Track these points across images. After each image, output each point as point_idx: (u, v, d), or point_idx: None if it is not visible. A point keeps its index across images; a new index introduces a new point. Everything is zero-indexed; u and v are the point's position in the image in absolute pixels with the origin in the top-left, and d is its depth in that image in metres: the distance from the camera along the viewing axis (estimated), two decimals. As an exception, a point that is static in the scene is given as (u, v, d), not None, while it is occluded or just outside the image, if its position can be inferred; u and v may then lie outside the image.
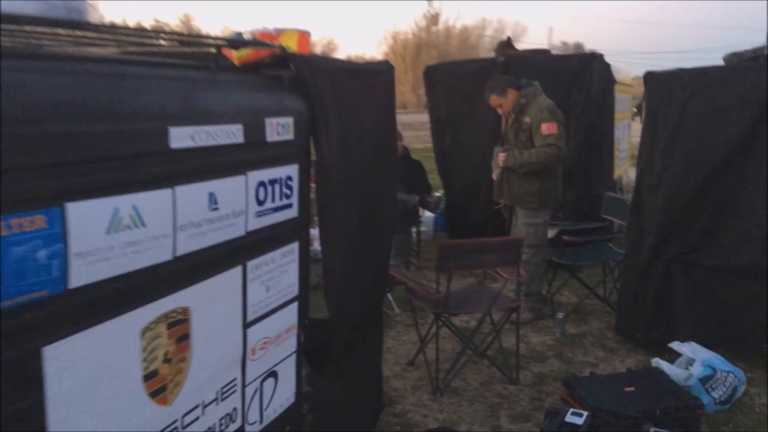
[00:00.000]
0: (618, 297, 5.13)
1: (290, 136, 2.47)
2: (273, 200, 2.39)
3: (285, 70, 2.62)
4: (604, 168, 6.70)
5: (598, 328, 5.16)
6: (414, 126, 20.84)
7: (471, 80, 6.53)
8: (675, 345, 4.13)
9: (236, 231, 2.21)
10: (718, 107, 4.20)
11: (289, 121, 2.47)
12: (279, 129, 2.40)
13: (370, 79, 3.16)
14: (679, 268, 4.43)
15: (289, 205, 2.52)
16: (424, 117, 8.60)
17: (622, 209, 5.52)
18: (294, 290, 2.66)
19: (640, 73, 4.66)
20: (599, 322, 5.29)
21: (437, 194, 6.98)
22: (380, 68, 3.25)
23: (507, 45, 7.41)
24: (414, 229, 6.85)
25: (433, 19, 30.89)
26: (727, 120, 4.18)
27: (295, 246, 2.60)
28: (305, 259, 2.70)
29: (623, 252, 5.37)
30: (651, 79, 4.47)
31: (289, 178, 2.50)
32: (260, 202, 2.32)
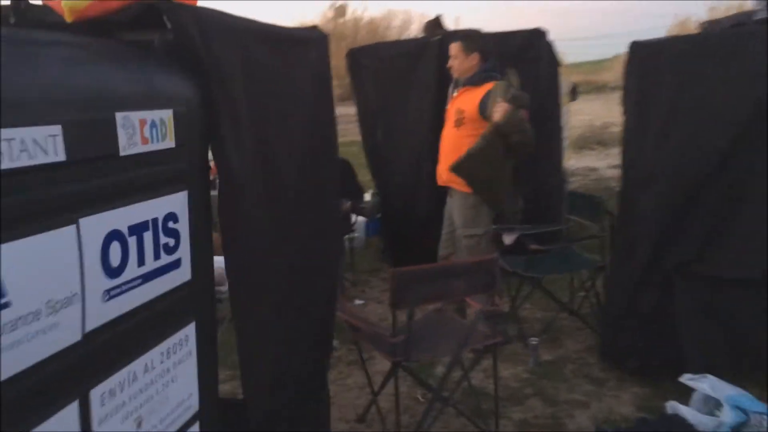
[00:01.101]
0: (601, 314, 4.23)
1: (168, 143, 1.37)
2: (141, 262, 1.29)
3: (157, 31, 1.51)
4: (555, 158, 5.81)
5: (576, 351, 4.23)
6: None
7: (402, 63, 5.49)
8: (688, 379, 3.23)
9: (58, 339, 1.10)
10: (723, 82, 3.32)
11: (165, 116, 1.36)
12: (145, 131, 1.29)
13: (298, 51, 2.07)
14: (683, 280, 3.53)
15: (174, 264, 1.41)
16: (345, 110, 7.51)
17: (589, 207, 4.63)
18: (191, 406, 1.55)
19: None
20: (575, 342, 4.36)
21: (369, 196, 5.94)
22: (310, 36, 2.17)
23: (436, 24, 6.40)
24: (346, 239, 5.78)
25: (340, 10, 29.69)
26: (735, 96, 3.31)
27: (188, 331, 1.49)
28: (209, 346, 1.61)
29: (596, 258, 4.49)
30: (638, 49, 3.54)
31: (171, 216, 1.39)
32: (113, 271, 1.21)
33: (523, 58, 5.41)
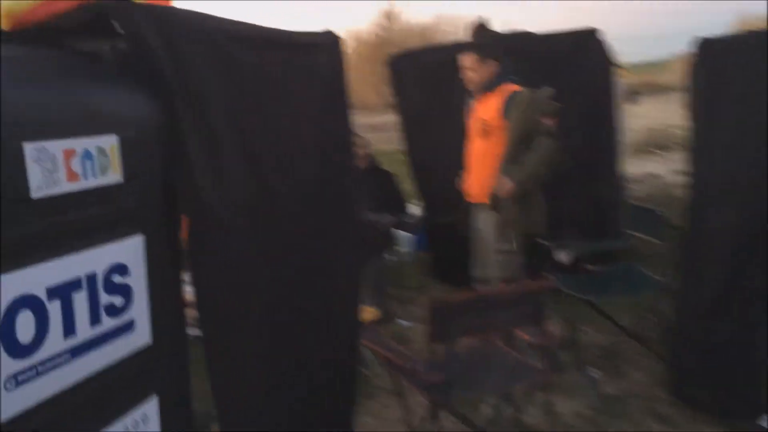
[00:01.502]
0: (669, 342, 3.79)
1: (112, 177, 1.08)
2: (69, 331, 1.00)
3: (109, 38, 1.23)
4: (612, 167, 5.37)
5: (642, 383, 3.79)
6: (378, 127, 19.48)
7: (445, 69, 5.12)
8: (772, 422, 2.80)
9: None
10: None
11: (107, 143, 1.07)
12: (73, 164, 1.01)
13: (302, 57, 1.76)
14: (765, 308, 3.08)
15: (124, 327, 1.12)
16: (389, 118, 7.20)
17: (651, 221, 4.19)
18: None
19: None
20: (640, 371, 3.92)
21: (415, 210, 5.60)
22: (318, 40, 1.86)
23: (482, 27, 6.03)
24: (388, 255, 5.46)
25: (390, 16, 29.42)
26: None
27: (148, 409, 1.20)
28: (180, 423, 1.30)
29: (660, 279, 4.05)
30: (706, 46, 3.13)
31: (118, 269, 1.10)
32: (22, 350, 0.93)
33: (574, 60, 5.01)
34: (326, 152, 1.82)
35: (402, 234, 5.74)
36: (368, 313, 4.11)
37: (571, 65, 5.02)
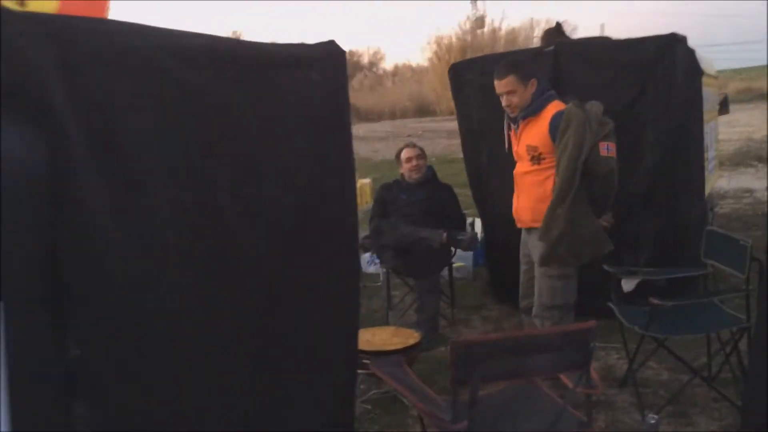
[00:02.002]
0: (745, 387, 3.35)
1: None
2: None
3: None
4: (694, 184, 4.89)
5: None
6: (440, 134, 19.02)
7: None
8: None
9: None
10: None
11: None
12: None
13: (287, 74, 1.53)
14: None
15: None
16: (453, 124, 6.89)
17: (732, 251, 3.72)
18: None
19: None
20: (709, 419, 3.48)
21: (470, 229, 5.29)
22: (309, 54, 1.61)
23: (557, 32, 5.64)
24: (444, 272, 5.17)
25: (479, 21, 28.86)
26: None
27: None
28: None
29: (740, 316, 3.58)
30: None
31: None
32: None
33: (656, 68, 4.57)
34: (317, 169, 1.58)
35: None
36: (409, 336, 3.85)
37: (654, 73, 4.59)
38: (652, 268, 3.97)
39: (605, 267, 3.90)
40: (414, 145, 5.07)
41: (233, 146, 1.32)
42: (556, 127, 3.35)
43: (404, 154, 5.02)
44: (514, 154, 3.70)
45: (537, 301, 3.58)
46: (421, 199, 4.90)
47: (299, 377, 1.62)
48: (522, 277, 3.83)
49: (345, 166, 1.70)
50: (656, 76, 4.57)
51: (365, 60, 38.96)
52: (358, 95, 22.19)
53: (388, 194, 5.04)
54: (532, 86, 3.51)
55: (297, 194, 1.51)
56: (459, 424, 2.36)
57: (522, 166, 3.62)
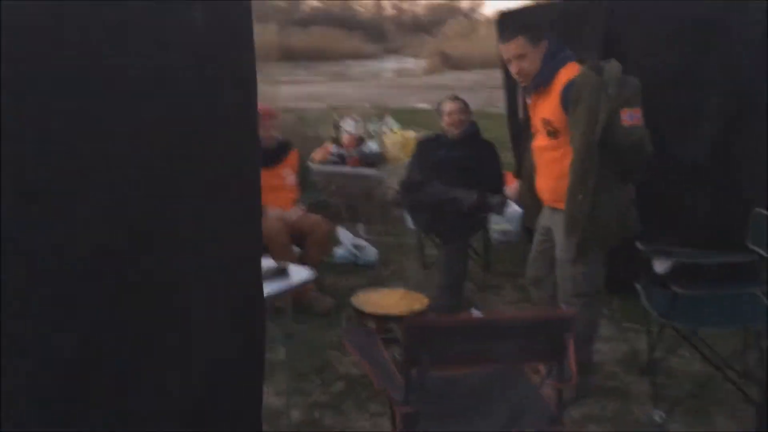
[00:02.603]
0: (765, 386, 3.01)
1: None
2: None
3: None
4: (761, 159, 4.38)
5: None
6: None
7: (560, 29, 4.37)
8: None
9: None
10: None
11: None
12: None
13: (144, 13, 1.36)
14: None
15: None
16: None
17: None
18: None
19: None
20: (728, 418, 3.16)
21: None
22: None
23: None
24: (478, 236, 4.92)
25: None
26: None
27: None
28: None
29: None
30: None
31: None
32: None
33: (722, 25, 4.06)
34: (202, 133, 1.42)
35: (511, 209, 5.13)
36: (416, 301, 3.67)
37: (719, 32, 4.09)
38: (690, 249, 3.58)
39: (637, 244, 3.56)
40: (457, 98, 4.78)
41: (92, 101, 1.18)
42: (568, 99, 2.96)
43: (445, 108, 4.75)
44: (531, 126, 3.34)
45: (560, 287, 3.29)
46: (459, 156, 4.64)
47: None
48: (534, 247, 3.52)
49: (244, 114, 1.52)
50: (722, 34, 4.07)
51: (464, 5, 37.67)
52: (450, 42, 21.52)
53: (426, 149, 4.80)
54: (543, 48, 3.08)
55: (175, 157, 1.35)
56: (408, 406, 2.19)
57: (539, 140, 3.26)
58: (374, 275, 5.00)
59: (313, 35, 28.13)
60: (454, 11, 26.66)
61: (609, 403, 3.30)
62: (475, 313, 4.34)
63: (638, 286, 3.50)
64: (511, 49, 3.11)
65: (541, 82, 3.09)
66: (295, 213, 4.37)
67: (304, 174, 4.63)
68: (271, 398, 3.30)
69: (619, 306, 4.39)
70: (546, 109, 3.09)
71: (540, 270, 3.46)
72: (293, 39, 26.77)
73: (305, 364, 3.64)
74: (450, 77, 19.86)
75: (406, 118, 10.84)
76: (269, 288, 2.59)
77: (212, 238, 1.49)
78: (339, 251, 5.26)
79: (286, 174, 4.54)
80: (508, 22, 3.80)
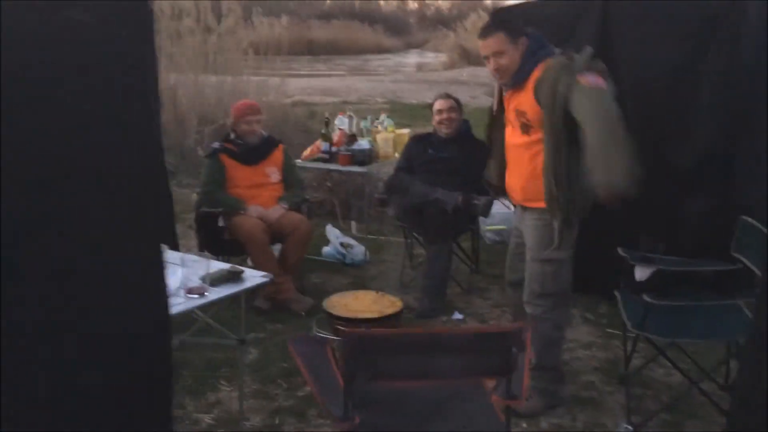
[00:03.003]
0: (737, 399, 2.86)
1: None
2: None
3: None
4: (758, 164, 4.19)
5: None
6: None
7: (555, 27, 4.25)
8: None
9: None
10: None
11: None
12: None
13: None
14: None
15: None
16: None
17: (761, 246, 3.13)
18: None
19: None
20: (704, 424, 3.03)
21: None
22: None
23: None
24: (463, 238, 4.80)
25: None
26: None
27: None
28: None
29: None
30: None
31: None
32: None
33: (721, 22, 3.88)
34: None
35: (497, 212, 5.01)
36: (390, 305, 3.57)
37: (718, 29, 3.90)
38: (674, 257, 3.44)
39: (619, 251, 3.43)
40: (448, 96, 4.66)
41: None
42: (538, 86, 2.86)
43: (435, 105, 4.64)
44: (505, 117, 3.22)
45: (527, 287, 3.18)
46: (448, 156, 4.52)
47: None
48: (510, 250, 3.42)
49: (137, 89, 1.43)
50: (721, 31, 3.89)
51: (488, 2, 37.29)
52: (470, 37, 21.26)
53: (415, 147, 4.69)
54: (523, 45, 2.96)
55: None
56: (347, 421, 2.10)
57: (512, 135, 3.14)
58: (361, 275, 4.91)
59: (334, 29, 28.02)
60: (477, 7, 26.34)
61: (580, 414, 3.18)
62: (457, 317, 4.23)
63: (616, 293, 3.37)
64: (489, 45, 3.00)
65: (519, 79, 2.97)
66: (277, 212, 4.27)
67: (289, 171, 4.54)
68: (233, 402, 3.23)
69: (606, 311, 4.25)
70: (523, 102, 2.97)
71: (517, 272, 3.34)
72: (314, 32, 26.69)
73: (275, 367, 3.56)
74: (467, 72, 19.64)
75: (422, 113, 10.73)
76: (222, 291, 2.51)
77: (106, 232, 1.42)
78: (326, 249, 5.17)
79: (270, 171, 4.45)
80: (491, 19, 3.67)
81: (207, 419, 3.10)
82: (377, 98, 14.74)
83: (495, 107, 3.28)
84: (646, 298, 2.88)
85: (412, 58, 27.89)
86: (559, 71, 2.77)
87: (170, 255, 2.81)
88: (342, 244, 5.11)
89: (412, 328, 2.94)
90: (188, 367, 3.50)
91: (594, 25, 4.13)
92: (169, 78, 8.33)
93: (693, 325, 3.07)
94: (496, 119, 3.32)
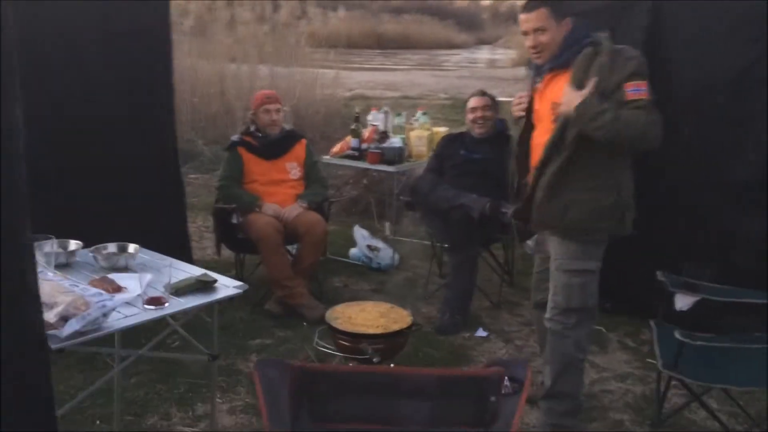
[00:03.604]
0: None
1: None
2: None
3: None
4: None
5: None
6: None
7: (600, 22, 3.82)
8: None
9: None
10: None
11: None
12: None
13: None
14: None
15: None
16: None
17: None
18: None
19: None
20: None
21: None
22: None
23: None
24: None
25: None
26: None
27: None
28: None
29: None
30: None
31: None
32: None
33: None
34: None
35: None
36: (398, 320, 3.24)
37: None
38: (723, 285, 2.98)
39: (658, 276, 3.00)
40: (483, 94, 4.28)
41: None
42: (574, 75, 2.57)
43: (469, 103, 4.27)
44: (534, 116, 2.84)
45: (551, 301, 2.80)
46: (481, 157, 4.15)
47: None
48: (536, 268, 3.05)
49: None
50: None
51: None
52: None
53: (447, 147, 4.33)
54: (566, 26, 2.65)
55: None
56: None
57: (541, 133, 2.77)
58: (385, 280, 4.59)
59: (404, 23, 27.67)
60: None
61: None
62: (480, 333, 3.86)
63: (652, 324, 2.95)
64: (531, 19, 2.70)
65: (557, 65, 2.66)
66: (294, 210, 4.00)
67: (311, 168, 4.25)
68: (223, 417, 2.98)
69: (649, 338, 3.77)
70: (557, 92, 2.62)
71: (544, 293, 2.95)
72: (384, 26, 26.44)
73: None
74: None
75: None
76: (187, 302, 2.25)
77: None
78: (353, 251, 4.87)
79: (291, 167, 4.18)
80: None
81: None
82: (440, 94, 14.33)
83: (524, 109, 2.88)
84: (678, 335, 2.45)
85: (483, 54, 27.26)
86: (607, 64, 2.52)
87: (139, 257, 2.57)
88: (369, 247, 4.80)
89: (372, 366, 2.57)
90: (182, 373, 3.27)
91: (639, 27, 3.68)
92: (218, 66, 8.21)
93: (734, 368, 2.62)
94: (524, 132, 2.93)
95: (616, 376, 3.46)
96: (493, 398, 1.73)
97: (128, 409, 2.99)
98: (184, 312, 2.27)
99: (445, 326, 3.85)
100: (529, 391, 3.13)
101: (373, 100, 11.77)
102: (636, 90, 2.48)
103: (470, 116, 4.22)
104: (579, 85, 2.54)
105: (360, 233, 4.91)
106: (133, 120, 3.71)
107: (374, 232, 5.14)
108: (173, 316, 2.31)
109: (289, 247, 4.12)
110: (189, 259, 4.03)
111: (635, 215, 2.69)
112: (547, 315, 2.81)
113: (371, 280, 4.60)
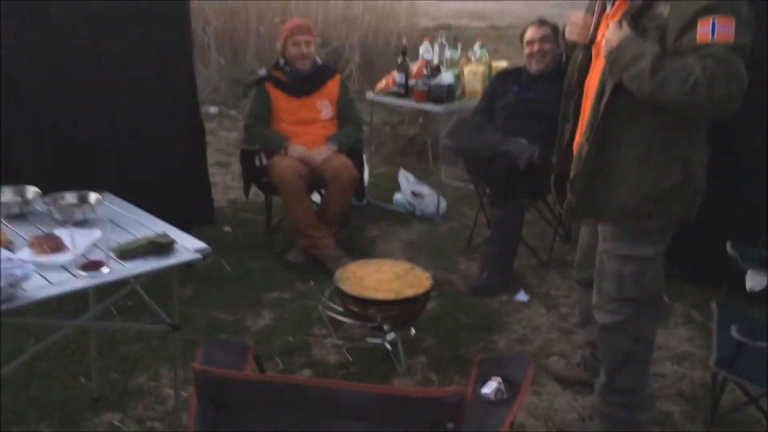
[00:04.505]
0: None
1: None
2: None
3: None
4: None
5: None
6: None
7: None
8: None
9: None
10: None
11: None
12: None
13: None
14: None
15: None
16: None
17: None
18: None
19: None
20: None
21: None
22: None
23: None
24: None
25: None
26: None
27: None
28: None
29: None
30: None
31: None
32: None
33: None
34: None
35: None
36: (416, 283, 2.83)
37: None
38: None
39: (728, 247, 2.42)
40: (542, 23, 3.67)
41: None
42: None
43: (526, 35, 3.66)
44: (593, 49, 2.24)
45: (597, 288, 2.29)
46: (535, 97, 3.58)
47: None
48: (582, 240, 2.52)
49: None
50: None
51: None
52: None
53: (500, 84, 3.77)
54: None
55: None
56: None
57: (598, 74, 2.16)
58: (428, 231, 4.16)
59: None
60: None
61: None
62: (521, 297, 3.38)
63: (713, 306, 2.40)
64: None
65: None
66: (322, 153, 3.60)
67: (345, 106, 3.81)
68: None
69: (720, 312, 3.20)
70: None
71: (589, 271, 2.43)
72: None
73: (279, 341, 2.97)
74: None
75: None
76: (138, 266, 1.91)
77: None
78: (397, 197, 4.45)
79: (322, 106, 3.75)
80: None
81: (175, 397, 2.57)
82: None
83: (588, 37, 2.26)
84: (735, 333, 1.90)
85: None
86: None
87: (105, 207, 2.26)
88: (414, 193, 4.36)
89: (296, 377, 2.16)
90: (189, 329, 2.98)
91: None
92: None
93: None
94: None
95: (672, 357, 2.94)
96: (450, 425, 1.31)
97: (119, 366, 2.76)
98: (130, 279, 1.93)
99: (481, 287, 3.40)
100: (560, 372, 2.73)
101: (458, 31, 11.01)
102: (710, 29, 1.80)
103: (527, 49, 3.63)
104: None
105: (405, 177, 4.47)
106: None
107: (425, 176, 4.68)
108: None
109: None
110: (209, 201, 3.76)
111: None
112: (595, 302, 2.31)
113: (413, 229, 4.18)
